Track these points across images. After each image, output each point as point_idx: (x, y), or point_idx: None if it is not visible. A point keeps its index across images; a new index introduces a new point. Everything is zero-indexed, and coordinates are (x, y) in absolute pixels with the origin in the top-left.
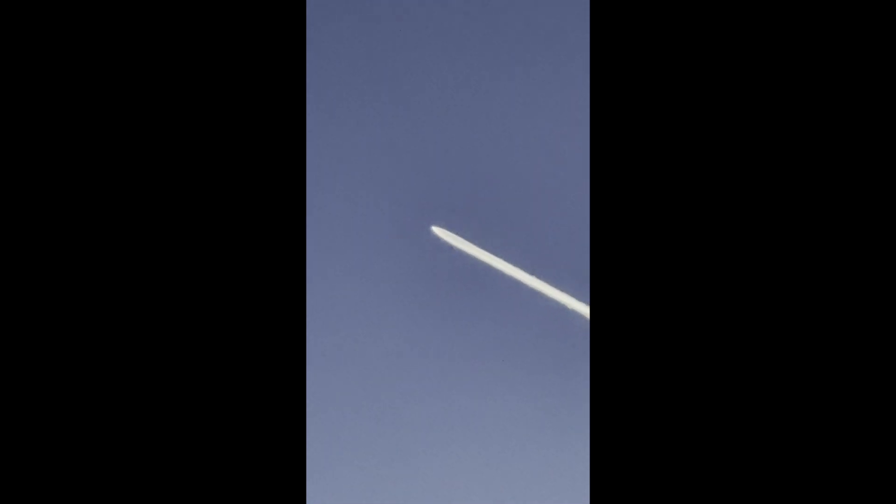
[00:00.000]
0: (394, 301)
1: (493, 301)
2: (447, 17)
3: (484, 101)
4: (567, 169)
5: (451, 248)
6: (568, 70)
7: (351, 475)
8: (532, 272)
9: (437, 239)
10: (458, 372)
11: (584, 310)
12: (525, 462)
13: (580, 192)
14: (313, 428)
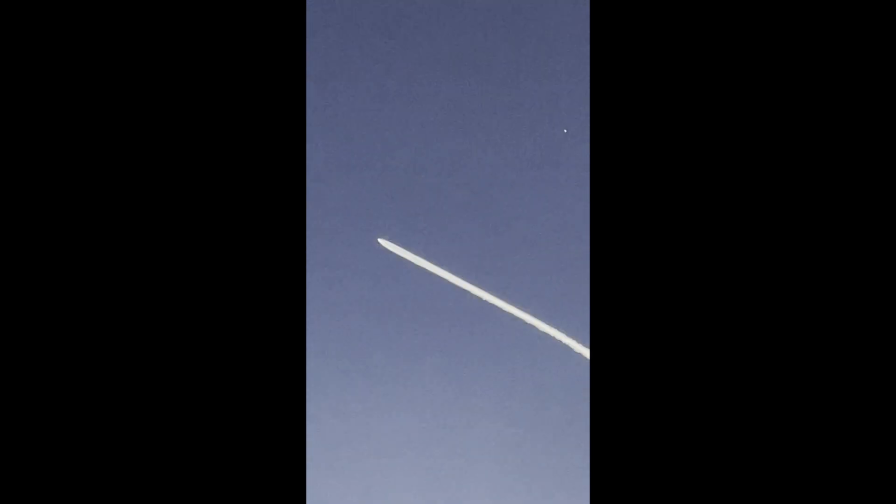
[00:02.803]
0: (343, 309)
1: (440, 309)
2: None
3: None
4: (513, 184)
5: (397, 259)
6: (531, 78)
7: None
8: (476, 283)
9: (383, 250)
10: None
11: (527, 318)
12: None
13: (525, 205)
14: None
